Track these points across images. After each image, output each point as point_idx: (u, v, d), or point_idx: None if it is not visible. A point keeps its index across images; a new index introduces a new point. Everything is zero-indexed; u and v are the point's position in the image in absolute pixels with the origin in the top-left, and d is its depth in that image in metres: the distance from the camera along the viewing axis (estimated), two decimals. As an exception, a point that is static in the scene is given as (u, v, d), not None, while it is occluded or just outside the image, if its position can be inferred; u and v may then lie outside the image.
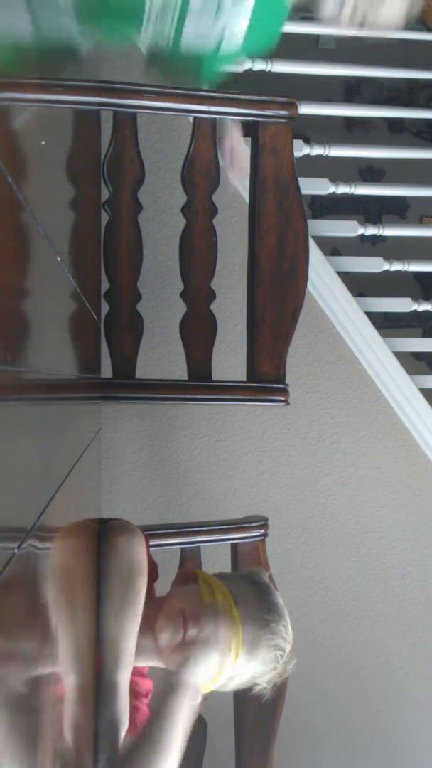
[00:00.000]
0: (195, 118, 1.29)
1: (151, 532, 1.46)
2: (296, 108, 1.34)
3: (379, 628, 2.25)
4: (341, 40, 3.35)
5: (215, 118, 1.28)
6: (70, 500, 0.87)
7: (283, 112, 1.33)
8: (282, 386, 1.36)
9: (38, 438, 0.70)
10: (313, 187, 2.08)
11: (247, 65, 1.92)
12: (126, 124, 1.25)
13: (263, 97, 1.32)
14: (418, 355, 2.77)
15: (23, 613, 0.56)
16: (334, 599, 2.22)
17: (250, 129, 1.35)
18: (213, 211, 1.31)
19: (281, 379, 1.37)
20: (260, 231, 1.33)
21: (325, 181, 2.04)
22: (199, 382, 1.33)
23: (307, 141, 2.04)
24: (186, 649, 1.10)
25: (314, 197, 3.15)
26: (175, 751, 0.97)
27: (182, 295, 1.33)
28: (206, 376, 1.33)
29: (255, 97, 1.31)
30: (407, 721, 2.34)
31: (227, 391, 1.36)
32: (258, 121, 1.32)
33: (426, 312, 2.18)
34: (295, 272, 1.34)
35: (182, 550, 1.50)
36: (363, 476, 2.17)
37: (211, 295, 1.32)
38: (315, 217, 3.09)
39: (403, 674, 2.30)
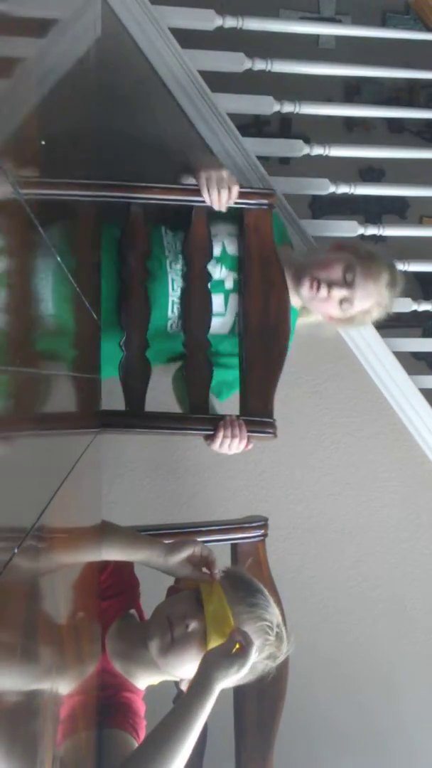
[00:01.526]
0: (192, 207, 1.55)
1: (151, 532, 1.46)
2: (274, 197, 1.61)
3: (379, 628, 2.25)
4: (341, 40, 3.35)
5: (209, 206, 1.56)
6: (70, 500, 0.87)
7: (263, 201, 1.59)
8: (270, 420, 1.58)
9: (38, 437, 0.71)
10: (313, 187, 2.08)
11: (247, 64, 1.92)
12: (138, 211, 1.53)
13: (247, 189, 1.60)
14: (418, 355, 2.77)
15: (23, 615, 0.56)
16: (334, 599, 2.22)
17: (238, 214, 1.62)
18: (208, 277, 1.57)
19: (269, 414, 1.57)
20: (248, 292, 1.58)
21: (325, 181, 2.04)
22: (199, 415, 1.55)
23: (307, 141, 2.04)
24: (178, 647, 1.11)
25: (314, 197, 3.15)
26: (184, 746, 0.98)
27: (184, 344, 1.56)
28: (204, 411, 1.55)
29: (240, 189, 1.57)
30: (407, 721, 2.34)
31: None
32: (243, 208, 1.59)
33: (426, 312, 2.18)
34: (279, 327, 1.58)
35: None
36: (363, 476, 2.17)
37: (207, 344, 1.56)
38: (315, 217, 3.09)
39: (403, 674, 2.30)
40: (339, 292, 1.57)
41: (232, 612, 1.14)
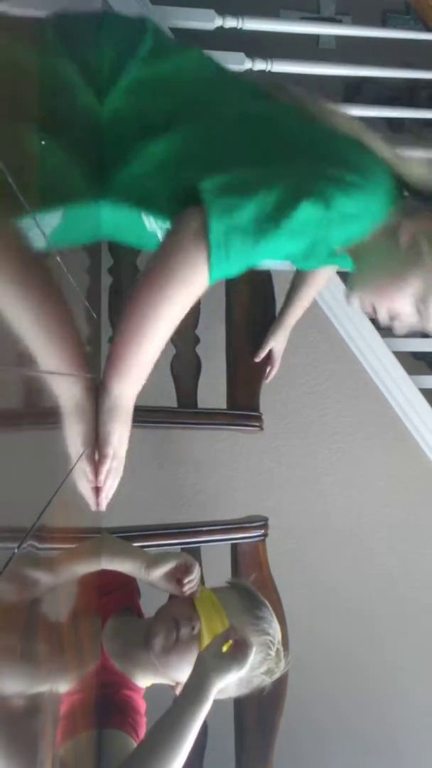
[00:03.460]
0: None
1: (151, 532, 1.46)
2: None
3: (380, 628, 2.25)
4: (341, 40, 3.35)
5: None
6: (70, 500, 0.87)
7: None
8: (256, 414, 1.62)
9: (39, 437, 0.70)
10: (313, 187, 2.07)
11: (247, 64, 1.92)
12: None
13: None
14: (417, 355, 2.77)
15: (23, 614, 0.56)
16: (335, 599, 2.22)
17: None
18: None
19: (255, 407, 1.62)
20: (234, 290, 1.61)
21: (325, 181, 2.04)
22: (187, 410, 1.59)
23: (307, 141, 2.04)
24: (182, 647, 1.11)
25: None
26: (181, 751, 0.98)
27: (172, 340, 1.55)
28: (193, 405, 1.59)
29: None
30: (407, 721, 2.34)
31: (210, 417, 1.62)
32: None
33: (426, 312, 2.17)
34: (264, 320, 1.59)
35: (182, 550, 1.50)
36: (363, 476, 2.17)
37: (196, 340, 1.59)
38: (315, 217, 3.09)
39: (403, 674, 2.30)
40: (402, 326, 1.07)
41: (236, 621, 1.14)
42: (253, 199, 0.87)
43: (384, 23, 3.55)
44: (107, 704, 1.13)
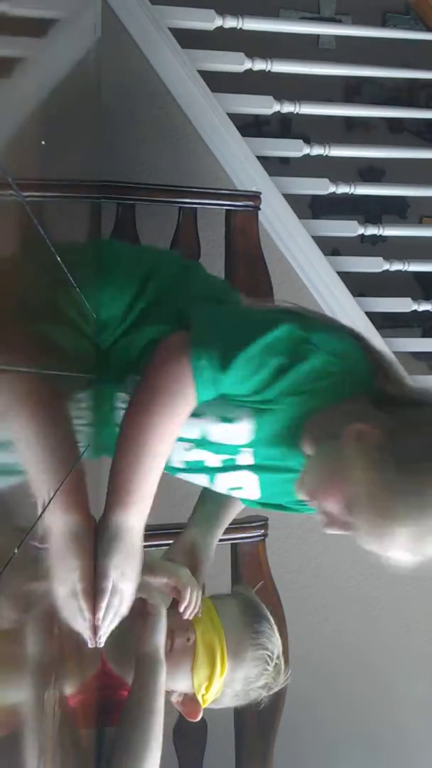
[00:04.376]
0: (180, 208, 1.59)
1: (151, 532, 1.46)
2: (260, 199, 1.61)
3: (379, 628, 2.25)
4: (341, 40, 3.35)
5: (196, 207, 1.60)
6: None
7: (249, 203, 1.61)
8: None
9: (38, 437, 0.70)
10: (313, 187, 2.08)
11: (247, 64, 1.93)
12: (128, 211, 1.57)
13: (233, 191, 1.67)
14: (418, 355, 2.77)
15: (24, 616, 0.56)
16: (334, 599, 2.22)
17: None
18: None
19: None
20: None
21: (325, 181, 2.05)
22: None
23: (307, 141, 2.05)
24: (176, 657, 1.11)
25: (314, 197, 3.15)
26: (157, 732, 0.99)
27: None
28: None
29: (226, 191, 1.65)
30: (407, 721, 2.34)
31: None
32: (230, 210, 1.61)
33: (426, 312, 2.18)
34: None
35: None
36: (363, 476, 2.17)
37: None
38: (315, 217, 3.09)
39: (403, 674, 2.30)
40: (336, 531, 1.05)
41: (233, 634, 1.13)
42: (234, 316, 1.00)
43: (384, 23, 3.55)
44: (107, 704, 1.13)
